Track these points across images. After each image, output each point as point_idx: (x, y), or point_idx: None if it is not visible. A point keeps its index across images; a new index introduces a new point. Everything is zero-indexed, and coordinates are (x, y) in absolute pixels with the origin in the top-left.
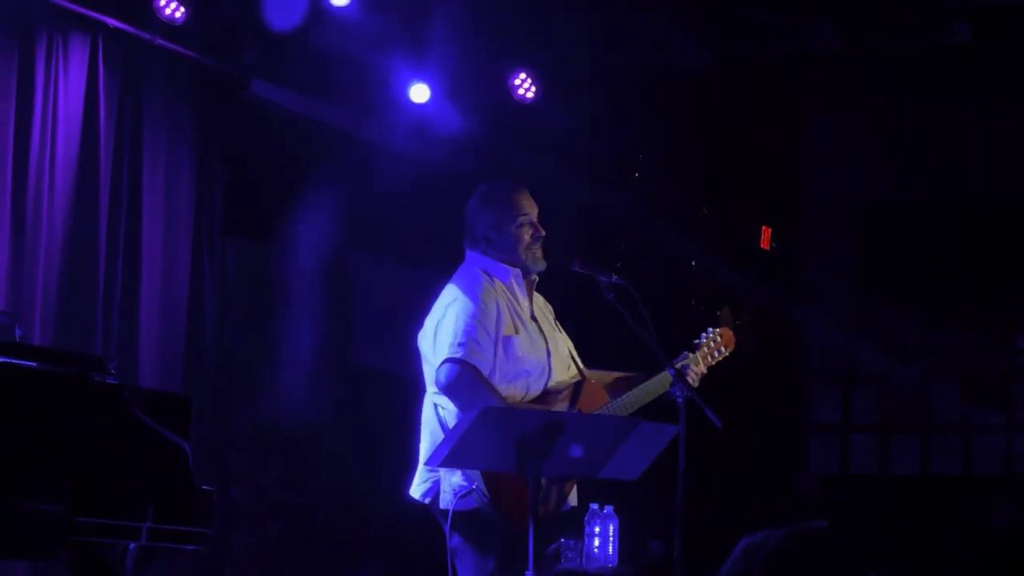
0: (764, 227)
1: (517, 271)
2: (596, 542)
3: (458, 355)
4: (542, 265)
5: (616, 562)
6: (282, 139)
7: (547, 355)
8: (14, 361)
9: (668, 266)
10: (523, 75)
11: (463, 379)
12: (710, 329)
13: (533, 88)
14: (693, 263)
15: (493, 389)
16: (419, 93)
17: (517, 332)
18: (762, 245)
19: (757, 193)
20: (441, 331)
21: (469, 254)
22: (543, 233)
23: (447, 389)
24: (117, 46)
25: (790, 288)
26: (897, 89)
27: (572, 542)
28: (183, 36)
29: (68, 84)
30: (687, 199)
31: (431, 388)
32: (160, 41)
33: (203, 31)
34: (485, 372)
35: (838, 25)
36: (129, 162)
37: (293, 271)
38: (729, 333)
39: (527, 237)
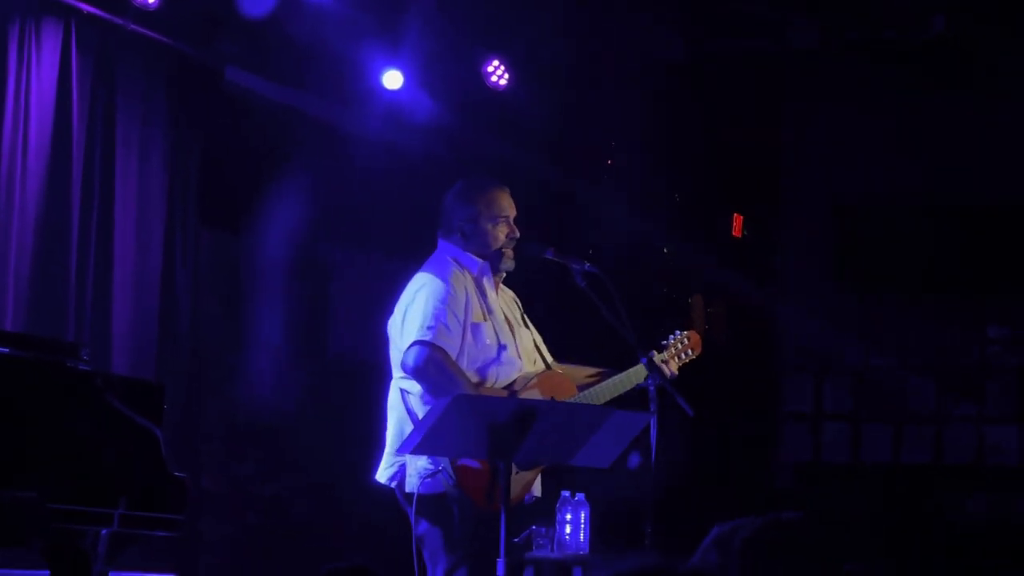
0: (735, 215)
1: (485, 263)
2: (567, 529)
3: (427, 338)
4: (511, 265)
5: (587, 549)
6: (256, 127)
7: (514, 345)
8: None
9: (641, 254)
10: (496, 62)
11: (432, 362)
12: (677, 331)
13: (506, 75)
14: (665, 251)
15: (461, 372)
16: (392, 80)
17: (484, 320)
18: (734, 233)
19: (735, 184)
20: (410, 315)
21: (442, 243)
22: (518, 235)
23: (415, 371)
24: (90, 32)
25: (765, 278)
26: (877, 84)
27: (543, 529)
28: (157, 22)
29: (41, 70)
30: (660, 187)
31: (397, 373)
32: (133, 27)
33: (177, 18)
34: (453, 356)
35: (818, 19)
36: (102, 149)
37: (267, 259)
38: (696, 336)
39: (502, 237)
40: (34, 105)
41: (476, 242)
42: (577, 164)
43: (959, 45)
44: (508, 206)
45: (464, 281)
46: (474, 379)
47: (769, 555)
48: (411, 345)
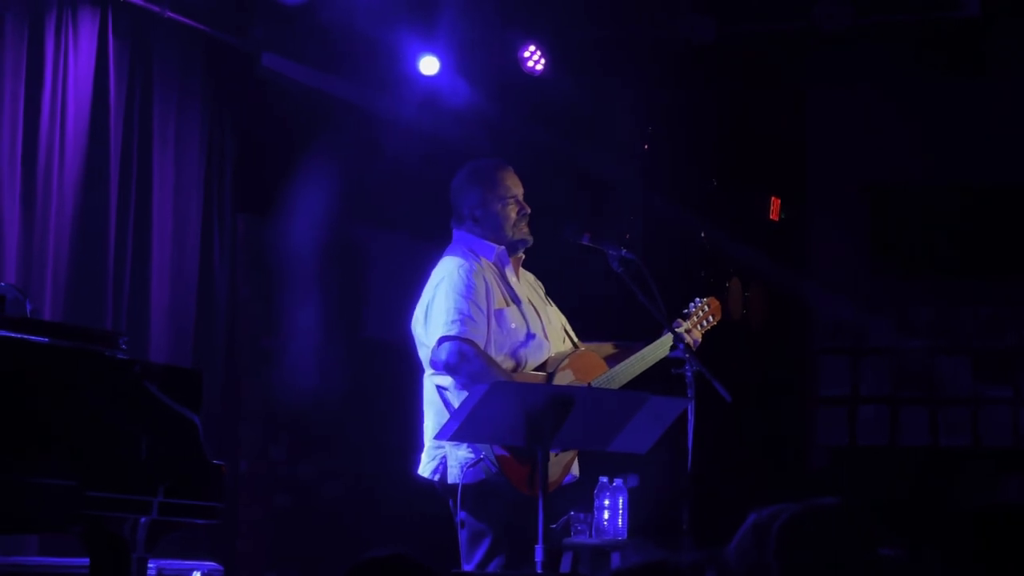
0: (773, 198)
1: (502, 249)
2: (606, 515)
3: (453, 332)
4: (529, 239)
5: (626, 535)
6: (292, 112)
7: (540, 327)
8: (25, 336)
9: (677, 238)
10: (532, 47)
11: (463, 355)
12: (698, 299)
13: (542, 60)
14: (702, 235)
15: (493, 361)
16: (428, 66)
17: (508, 305)
18: (771, 216)
19: (767, 167)
20: (433, 312)
21: (456, 233)
22: (528, 210)
23: (447, 367)
24: (126, 19)
25: (799, 261)
26: (908, 66)
27: (582, 515)
28: (192, 9)
29: (78, 58)
30: (696, 171)
31: (429, 370)
32: (170, 14)
33: (213, 4)
34: (481, 345)
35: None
36: (139, 136)
37: (303, 245)
38: (716, 303)
39: (513, 215)
40: (71, 93)
41: (488, 225)
42: (613, 149)
43: (988, 27)
44: (514, 184)
45: (482, 270)
46: (508, 364)
47: (807, 542)
48: (440, 342)
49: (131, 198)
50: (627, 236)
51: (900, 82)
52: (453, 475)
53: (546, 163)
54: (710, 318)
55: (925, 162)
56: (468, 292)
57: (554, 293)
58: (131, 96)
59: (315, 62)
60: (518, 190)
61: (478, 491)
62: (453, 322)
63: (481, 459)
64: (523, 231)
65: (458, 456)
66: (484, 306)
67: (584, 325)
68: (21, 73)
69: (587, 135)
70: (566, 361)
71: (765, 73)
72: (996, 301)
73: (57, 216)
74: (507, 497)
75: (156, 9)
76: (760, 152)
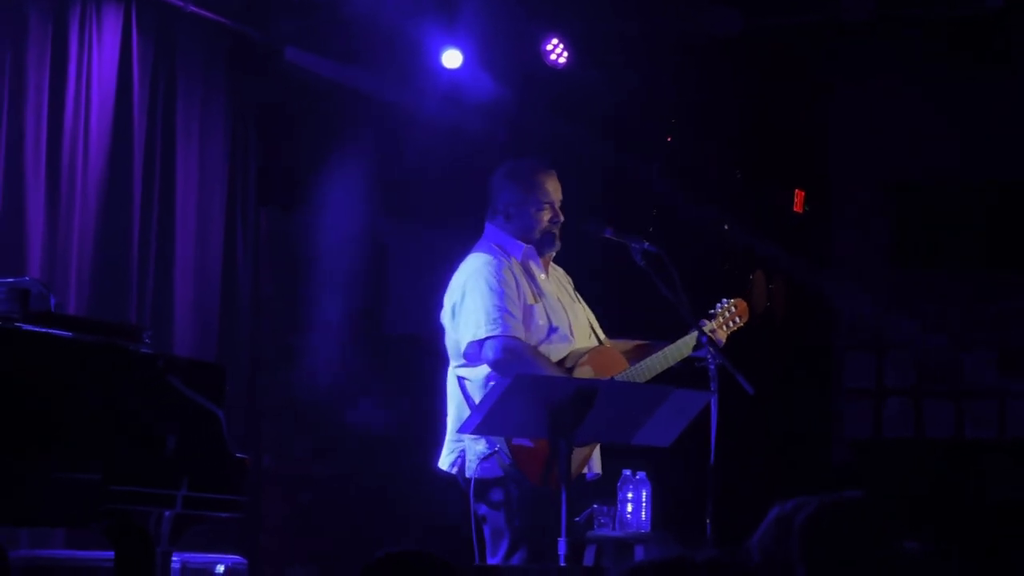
0: (797, 190)
1: (530, 247)
2: (629, 508)
3: (497, 332)
4: (556, 246)
5: (649, 528)
6: (315, 106)
7: (567, 324)
8: (49, 331)
9: (700, 231)
10: (555, 40)
11: (511, 351)
12: (724, 300)
13: (565, 54)
14: (726, 228)
15: (540, 355)
16: (451, 59)
17: (535, 302)
18: (795, 208)
19: (790, 160)
20: (467, 309)
21: (487, 227)
22: (562, 219)
23: (496, 365)
24: (150, 13)
25: (823, 254)
26: (930, 59)
27: (605, 508)
28: (216, 3)
29: (102, 52)
30: (720, 164)
31: (454, 361)
32: (193, 8)
33: None
34: (523, 340)
35: None
36: (162, 130)
37: (326, 239)
38: (744, 304)
39: (545, 220)
40: (95, 88)
41: (518, 225)
42: (636, 142)
43: (1012, 19)
44: (554, 190)
45: (509, 267)
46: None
47: (830, 535)
48: (485, 340)
49: (155, 193)
50: (650, 229)
51: (924, 76)
52: (470, 469)
53: (569, 156)
54: (737, 319)
55: (948, 156)
56: (499, 288)
57: (577, 288)
58: (155, 91)
59: (338, 56)
60: (557, 196)
61: (494, 485)
62: (494, 320)
63: (495, 451)
64: (552, 237)
65: (475, 450)
66: (517, 299)
67: (607, 321)
68: (45, 68)
69: (610, 128)
70: (585, 357)
71: (789, 67)
72: (1021, 294)
73: (81, 211)
74: (524, 490)
75: (180, 3)
76: (784, 146)
